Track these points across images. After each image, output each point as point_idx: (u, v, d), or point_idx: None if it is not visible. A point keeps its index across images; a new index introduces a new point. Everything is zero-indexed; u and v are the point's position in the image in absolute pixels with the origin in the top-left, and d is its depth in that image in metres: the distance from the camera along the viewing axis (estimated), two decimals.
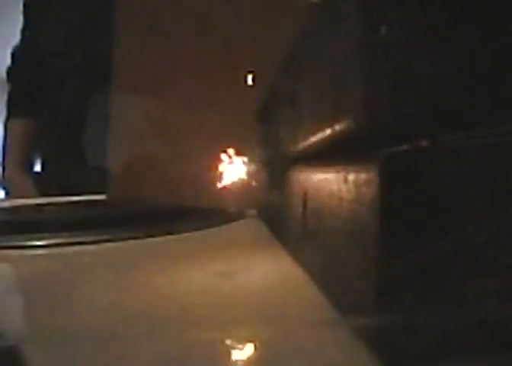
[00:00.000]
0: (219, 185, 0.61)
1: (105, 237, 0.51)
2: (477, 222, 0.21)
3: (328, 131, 0.26)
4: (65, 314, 0.30)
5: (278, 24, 0.60)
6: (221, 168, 0.62)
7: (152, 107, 0.73)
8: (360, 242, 0.23)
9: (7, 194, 1.26)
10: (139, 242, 0.52)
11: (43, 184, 1.19)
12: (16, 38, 1.27)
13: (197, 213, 0.61)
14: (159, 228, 0.55)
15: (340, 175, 0.26)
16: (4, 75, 1.29)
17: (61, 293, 0.35)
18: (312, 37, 0.31)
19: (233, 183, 0.60)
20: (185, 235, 0.54)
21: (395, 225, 0.21)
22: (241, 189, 0.60)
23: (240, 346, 0.25)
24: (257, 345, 0.25)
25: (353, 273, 0.24)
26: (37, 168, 1.30)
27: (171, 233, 0.54)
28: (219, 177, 0.62)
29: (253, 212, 0.62)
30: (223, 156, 0.62)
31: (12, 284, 0.41)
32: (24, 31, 1.26)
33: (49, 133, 1.20)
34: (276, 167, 0.52)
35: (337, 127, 0.24)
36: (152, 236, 0.53)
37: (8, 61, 1.28)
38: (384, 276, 0.21)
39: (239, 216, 0.62)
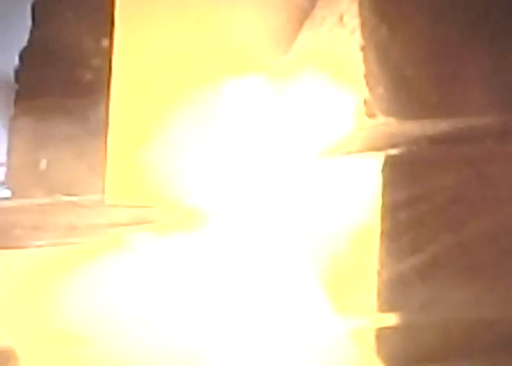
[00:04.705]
0: (219, 185, 0.61)
1: (104, 237, 0.51)
2: (477, 221, 0.21)
3: (329, 131, 0.26)
4: (63, 313, 0.30)
5: (278, 23, 0.61)
6: (221, 168, 0.62)
7: (152, 107, 0.73)
8: (360, 242, 0.23)
9: (11, 193, 1.26)
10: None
11: (47, 184, 1.19)
12: (24, 40, 1.27)
13: (195, 212, 0.61)
14: (158, 228, 0.55)
15: (340, 174, 0.26)
16: (11, 76, 1.29)
17: (59, 293, 0.35)
18: (313, 37, 0.31)
19: (233, 183, 0.60)
20: (184, 234, 0.54)
21: (395, 225, 0.21)
22: (241, 189, 0.60)
23: (239, 346, 0.25)
24: (257, 345, 0.25)
25: (353, 273, 0.24)
26: (41, 168, 1.30)
27: (169, 233, 0.54)
28: (219, 177, 0.62)
29: (251, 212, 0.62)
30: (223, 156, 0.62)
31: (12, 284, 0.41)
32: (31, 33, 1.27)
33: (53, 134, 1.20)
34: (277, 167, 0.52)
35: (337, 127, 0.24)
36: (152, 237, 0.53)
37: (16, 62, 1.28)
38: (384, 276, 0.21)
39: (234, 215, 0.61)
